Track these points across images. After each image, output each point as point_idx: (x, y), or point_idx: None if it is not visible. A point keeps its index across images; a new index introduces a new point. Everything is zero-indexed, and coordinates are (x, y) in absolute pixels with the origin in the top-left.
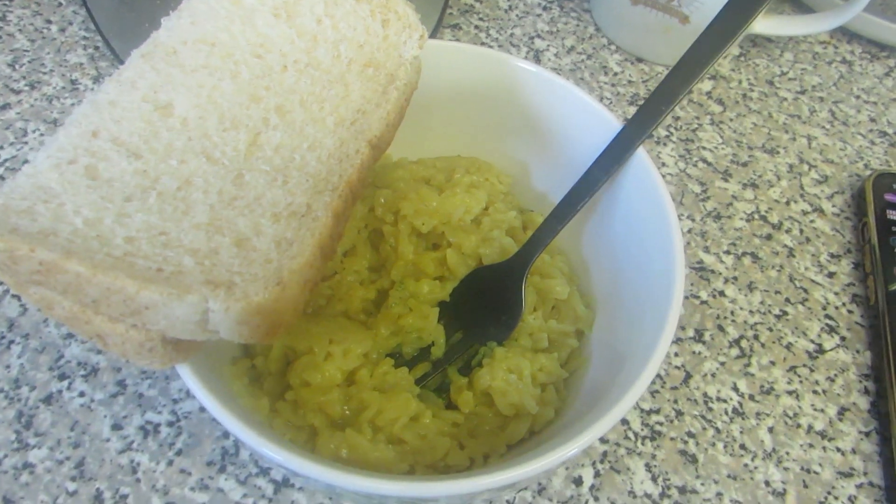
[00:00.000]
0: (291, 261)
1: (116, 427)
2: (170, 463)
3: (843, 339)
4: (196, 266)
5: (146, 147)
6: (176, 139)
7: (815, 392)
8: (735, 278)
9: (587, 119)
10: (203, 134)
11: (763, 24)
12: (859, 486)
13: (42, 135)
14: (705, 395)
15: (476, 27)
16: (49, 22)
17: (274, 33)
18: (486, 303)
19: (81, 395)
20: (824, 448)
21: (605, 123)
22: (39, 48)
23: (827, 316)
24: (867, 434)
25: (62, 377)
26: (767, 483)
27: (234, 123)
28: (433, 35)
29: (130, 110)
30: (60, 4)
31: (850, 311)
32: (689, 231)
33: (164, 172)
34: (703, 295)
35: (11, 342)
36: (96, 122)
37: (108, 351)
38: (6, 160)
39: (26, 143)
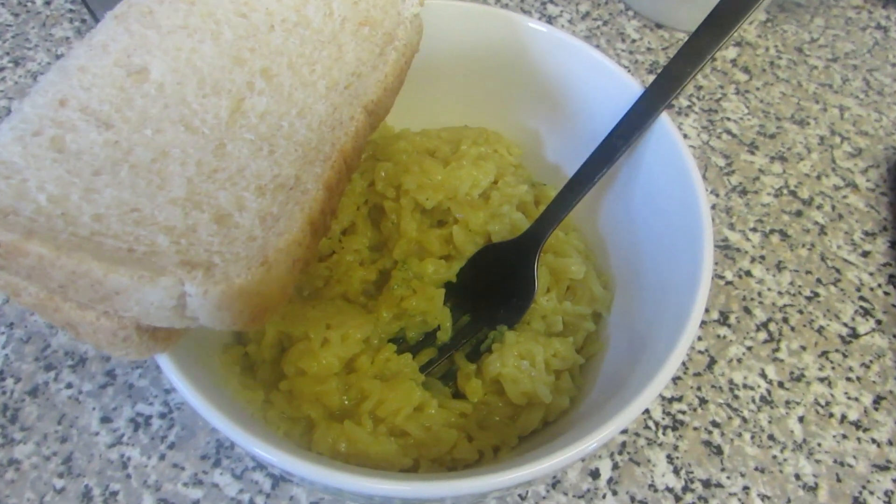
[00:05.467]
0: (278, 238)
1: (105, 420)
2: (162, 457)
3: (878, 322)
4: (171, 245)
5: (118, 116)
6: (151, 107)
7: (848, 379)
8: (762, 257)
9: (604, 83)
10: (181, 101)
11: None
12: None
13: None
14: (731, 381)
15: None
16: None
17: None
18: (496, 283)
19: (69, 386)
20: (858, 439)
21: (624, 87)
22: (24, 22)
23: (861, 298)
24: None
25: (48, 368)
26: (798, 476)
27: (215, 89)
28: None
29: (101, 76)
30: None
31: (886, 293)
32: (714, 207)
33: (138, 143)
34: (729, 275)
35: None
36: (64, 89)
37: (81, 341)
38: None
39: None
